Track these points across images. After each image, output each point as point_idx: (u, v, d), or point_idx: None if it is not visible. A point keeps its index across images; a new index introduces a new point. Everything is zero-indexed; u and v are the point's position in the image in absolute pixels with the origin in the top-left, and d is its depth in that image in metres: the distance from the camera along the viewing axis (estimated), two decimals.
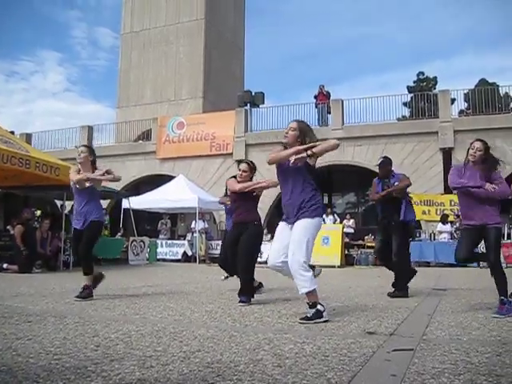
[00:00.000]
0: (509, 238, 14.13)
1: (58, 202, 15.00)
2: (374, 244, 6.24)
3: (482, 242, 4.49)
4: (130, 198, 15.90)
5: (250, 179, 5.39)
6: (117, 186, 17.86)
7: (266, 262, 14.37)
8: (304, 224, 3.82)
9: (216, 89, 27.29)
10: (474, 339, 3.10)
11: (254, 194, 5.33)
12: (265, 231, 12.52)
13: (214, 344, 2.87)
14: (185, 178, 17.91)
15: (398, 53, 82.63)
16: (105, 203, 18.49)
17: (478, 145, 4.46)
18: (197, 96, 26.94)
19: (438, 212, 15.69)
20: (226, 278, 7.19)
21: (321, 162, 17.88)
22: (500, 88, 19.09)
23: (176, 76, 27.53)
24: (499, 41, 75.51)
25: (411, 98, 23.59)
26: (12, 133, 13.66)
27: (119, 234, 16.46)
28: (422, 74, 35.95)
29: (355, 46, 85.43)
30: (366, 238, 16.04)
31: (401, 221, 5.94)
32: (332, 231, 14.74)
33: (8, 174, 10.18)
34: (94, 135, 22.60)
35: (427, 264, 13.98)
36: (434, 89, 31.30)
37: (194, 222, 17.03)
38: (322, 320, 3.68)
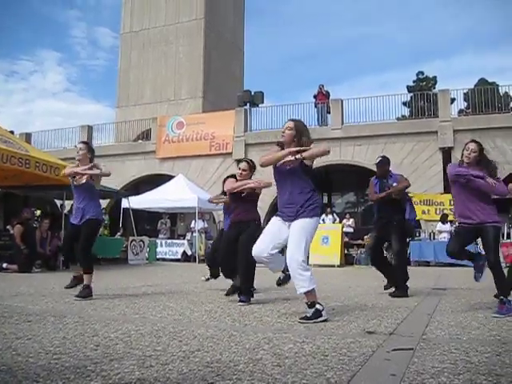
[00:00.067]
0: (508, 237, 14.14)
1: (58, 202, 15.01)
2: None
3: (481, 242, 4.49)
4: (130, 198, 15.91)
5: (250, 178, 5.38)
6: (116, 186, 17.92)
7: None
8: (302, 224, 3.83)
9: (215, 89, 27.30)
10: (473, 339, 3.10)
11: (243, 194, 5.25)
12: None
13: (214, 343, 2.87)
14: (184, 178, 17.92)
15: (398, 53, 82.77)
16: (104, 203, 18.50)
17: (472, 146, 4.45)
18: (196, 96, 26.95)
19: (438, 211, 15.70)
20: (208, 279, 6.69)
21: (320, 162, 17.99)
22: (500, 87, 19.12)
23: (175, 76, 27.54)
24: (499, 41, 75.62)
25: (411, 97, 23.63)
26: (12, 132, 13.66)
27: (119, 233, 16.47)
28: (422, 73, 35.99)
29: (355, 46, 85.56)
30: (366, 237, 16.03)
31: (402, 220, 5.94)
32: (331, 231, 14.75)
33: (8, 173, 10.18)
34: (93, 135, 22.59)
35: (427, 264, 14.00)
36: (434, 88, 31.33)
37: (193, 221, 17.05)
38: (321, 319, 3.68)
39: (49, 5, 79.81)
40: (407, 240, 14.49)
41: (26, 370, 2.25)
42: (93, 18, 71.51)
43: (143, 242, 14.88)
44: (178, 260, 16.49)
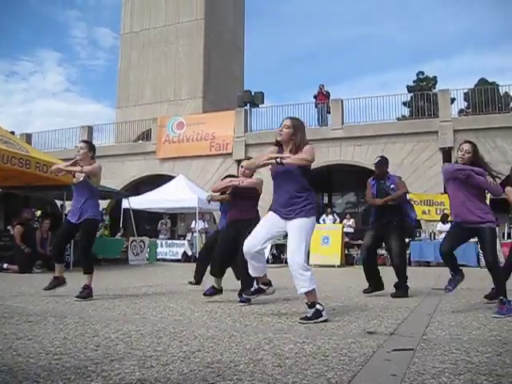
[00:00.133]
0: (509, 237, 14.13)
1: (58, 202, 15.02)
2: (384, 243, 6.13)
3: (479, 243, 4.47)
4: (130, 198, 15.91)
5: (251, 176, 5.36)
6: (117, 186, 17.94)
7: (266, 262, 14.30)
8: (301, 224, 3.84)
9: (216, 89, 27.31)
10: (474, 339, 3.10)
11: (228, 192, 5.32)
12: None
13: (214, 344, 2.87)
14: (185, 178, 17.92)
15: (398, 53, 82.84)
16: (105, 203, 18.52)
17: (466, 147, 4.44)
18: (196, 96, 26.96)
19: (438, 211, 15.69)
20: (191, 283, 6.26)
21: (321, 162, 18.01)
22: (500, 87, 19.11)
23: (176, 76, 27.55)
24: (499, 41, 75.66)
25: (411, 97, 23.64)
26: (12, 133, 13.69)
27: (119, 234, 16.47)
28: (422, 73, 36.00)
29: (355, 46, 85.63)
30: None
31: (401, 221, 5.94)
32: (332, 231, 14.75)
33: (8, 174, 10.18)
34: (93, 135, 22.59)
35: (427, 264, 13.99)
36: (434, 88, 31.32)
37: (193, 221, 17.05)
38: (321, 319, 3.69)
39: (49, 5, 79.95)
40: (408, 240, 14.58)
41: (26, 370, 2.25)
42: (93, 18, 71.65)
43: (143, 243, 14.88)
44: (178, 260, 16.49)
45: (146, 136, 22.28)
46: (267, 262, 14.66)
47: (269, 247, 15.00)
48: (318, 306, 3.75)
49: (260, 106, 20.99)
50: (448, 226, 14.72)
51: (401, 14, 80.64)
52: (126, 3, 29.67)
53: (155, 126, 21.25)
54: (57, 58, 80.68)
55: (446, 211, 15.31)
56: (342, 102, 18.59)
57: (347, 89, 79.53)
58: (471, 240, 4.50)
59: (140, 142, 22.41)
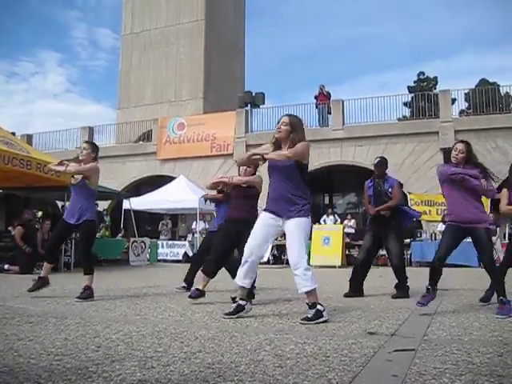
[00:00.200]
0: (510, 237, 14.11)
1: (59, 203, 15.02)
2: (383, 243, 6.11)
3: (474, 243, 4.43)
4: (131, 199, 15.93)
5: (253, 175, 5.32)
6: (117, 187, 17.95)
7: (267, 262, 14.22)
8: (300, 224, 3.86)
9: (216, 89, 27.32)
10: (475, 339, 3.10)
11: (225, 190, 5.36)
12: None
13: (215, 345, 2.87)
14: (185, 179, 17.92)
15: (398, 53, 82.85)
16: (105, 204, 18.54)
17: (460, 146, 4.44)
18: (197, 97, 26.97)
19: (439, 212, 15.67)
20: (184, 288, 6.07)
21: (322, 163, 18.00)
22: (501, 88, 19.10)
23: (176, 77, 27.56)
24: (499, 41, 75.64)
25: (412, 97, 23.61)
26: (13, 134, 13.68)
27: (120, 234, 16.49)
28: (423, 73, 36.00)
29: (355, 46, 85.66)
30: None
31: (399, 221, 5.95)
32: (333, 231, 14.75)
33: (9, 175, 10.18)
34: (94, 136, 22.59)
35: (428, 264, 13.95)
36: (435, 89, 31.34)
37: (194, 222, 17.06)
38: (322, 320, 3.69)
39: (49, 5, 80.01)
40: (409, 241, 14.58)
41: (27, 371, 2.25)
42: (93, 18, 71.72)
43: (144, 243, 14.89)
44: (179, 261, 16.49)
45: (146, 137, 22.29)
46: (268, 262, 14.76)
47: (269, 248, 15.01)
48: (318, 307, 3.75)
49: (261, 106, 21.01)
50: None
51: (401, 13, 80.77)
52: (126, 4, 29.69)
53: (156, 126, 21.26)
54: (57, 58, 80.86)
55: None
56: (342, 102, 18.58)
57: (348, 89, 79.60)
58: (471, 240, 4.47)
59: (141, 142, 22.42)
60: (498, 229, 13.07)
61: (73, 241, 10.54)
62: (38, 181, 10.28)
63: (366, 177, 6.29)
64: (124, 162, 21.23)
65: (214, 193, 6.21)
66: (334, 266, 13.13)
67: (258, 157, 3.92)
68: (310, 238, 14.18)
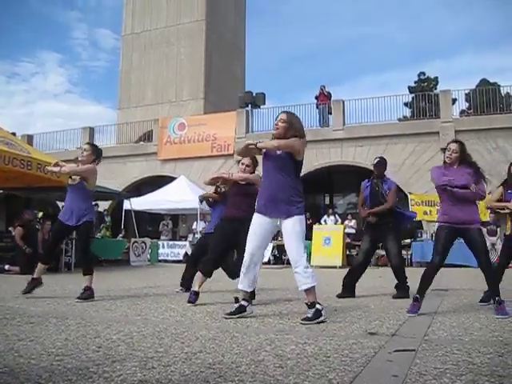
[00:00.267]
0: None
1: (60, 204, 15.03)
2: (382, 245, 6.11)
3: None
4: (132, 199, 15.94)
5: (251, 174, 5.29)
6: (118, 187, 17.96)
7: (268, 263, 14.19)
8: (298, 222, 3.88)
9: (217, 90, 27.32)
10: (475, 340, 3.09)
11: (221, 189, 5.36)
12: None
13: (216, 345, 2.87)
14: (186, 179, 17.93)
15: (398, 53, 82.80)
16: (106, 204, 18.54)
17: (453, 146, 4.44)
18: (198, 97, 26.96)
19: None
20: (183, 290, 6.08)
21: (322, 163, 18.00)
22: (501, 88, 19.09)
23: (177, 77, 27.55)
24: (499, 41, 75.58)
25: (412, 98, 23.59)
26: (13, 134, 13.69)
27: (121, 235, 16.50)
28: (423, 74, 35.98)
29: (355, 46, 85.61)
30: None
31: (397, 222, 5.96)
32: (333, 232, 14.75)
33: (10, 175, 10.19)
34: (95, 136, 22.62)
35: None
36: (435, 89, 31.32)
37: (195, 222, 17.06)
38: (321, 319, 3.72)
39: (49, 5, 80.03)
40: (410, 241, 14.58)
41: (28, 371, 2.25)
42: (93, 19, 71.71)
43: (145, 244, 14.89)
44: (179, 261, 16.48)
45: (147, 137, 22.30)
46: (268, 262, 14.77)
47: (270, 248, 15.01)
48: (317, 306, 3.78)
49: (261, 106, 21.01)
50: None
51: (401, 13, 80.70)
52: (127, 4, 29.69)
53: (156, 127, 21.27)
54: (58, 59, 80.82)
55: None
56: (343, 102, 18.58)
57: (348, 89, 79.58)
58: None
59: (141, 143, 22.43)
60: (498, 229, 13.06)
61: (73, 241, 10.54)
62: (38, 181, 10.29)
63: (367, 177, 6.29)
64: (125, 162, 21.24)
65: (211, 191, 6.20)
66: (335, 267, 13.13)
67: (253, 146, 3.93)
68: (310, 238, 14.21)
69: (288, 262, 3.89)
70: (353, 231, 16.50)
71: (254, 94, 21.03)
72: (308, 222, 16.45)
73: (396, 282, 5.94)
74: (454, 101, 18.28)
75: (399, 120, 20.00)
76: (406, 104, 21.72)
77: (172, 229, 19.16)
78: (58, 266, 10.60)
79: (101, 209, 17.51)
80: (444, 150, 4.54)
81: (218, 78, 27.77)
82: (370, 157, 16.86)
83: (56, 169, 5.53)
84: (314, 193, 20.27)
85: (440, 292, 6.34)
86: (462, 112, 20.03)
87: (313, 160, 17.72)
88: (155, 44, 28.32)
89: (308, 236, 13.98)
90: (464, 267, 11.28)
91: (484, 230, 13.38)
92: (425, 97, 21.22)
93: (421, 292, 4.34)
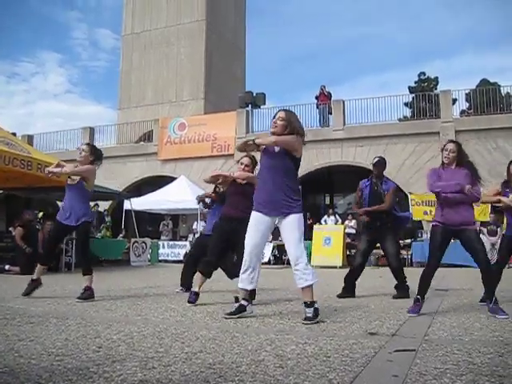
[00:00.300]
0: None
1: (60, 204, 15.02)
2: (379, 245, 6.11)
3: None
4: (132, 200, 15.93)
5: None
6: (118, 187, 17.95)
7: (268, 263, 14.17)
8: (297, 220, 3.90)
9: (217, 90, 27.31)
10: (476, 340, 3.09)
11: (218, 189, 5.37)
12: None
13: (216, 345, 2.87)
14: (186, 179, 17.93)
15: (398, 53, 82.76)
16: (106, 204, 18.55)
17: (450, 146, 4.46)
18: (198, 97, 26.96)
19: None
20: (183, 290, 6.08)
21: (322, 163, 17.98)
22: (501, 88, 19.09)
23: (177, 77, 27.55)
24: (499, 41, 75.55)
25: (412, 98, 23.58)
26: (14, 134, 13.69)
27: (121, 235, 16.50)
28: (423, 74, 35.96)
29: (355, 46, 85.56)
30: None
31: (396, 223, 5.96)
32: (334, 232, 14.75)
33: (10, 175, 10.19)
34: (95, 136, 22.63)
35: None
36: (436, 89, 31.30)
37: (195, 222, 17.05)
38: (319, 317, 3.76)
39: (49, 5, 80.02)
40: (410, 241, 14.57)
41: (28, 371, 2.25)
42: (93, 19, 71.70)
43: (145, 244, 14.89)
44: (180, 261, 16.47)
45: (147, 137, 22.30)
46: (269, 263, 14.76)
47: (270, 248, 15.02)
48: (315, 305, 3.81)
49: (262, 106, 21.00)
50: None
51: (401, 13, 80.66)
52: (127, 4, 29.68)
53: (157, 127, 21.28)
54: (58, 59, 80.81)
55: None
56: (343, 102, 18.58)
57: (348, 89, 79.53)
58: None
59: (142, 143, 22.43)
60: (498, 229, 13.05)
61: (74, 241, 10.54)
62: (38, 181, 10.29)
63: (367, 177, 6.28)
64: (125, 162, 21.24)
65: (210, 192, 6.18)
66: (335, 267, 13.12)
67: (251, 142, 3.94)
68: (311, 238, 14.21)
69: (288, 262, 3.90)
70: (353, 231, 16.47)
71: (254, 94, 21.03)
72: (308, 222, 16.51)
73: (395, 282, 5.94)
74: (455, 101, 18.28)
75: (399, 120, 20.00)
76: (406, 104, 21.72)
77: (172, 229, 19.16)
78: (58, 265, 10.61)
79: (101, 209, 17.51)
80: (442, 150, 4.54)
81: (218, 78, 27.77)
82: (370, 157, 16.84)
83: (57, 169, 5.52)
84: (315, 193, 20.28)
85: (440, 292, 6.33)
86: (463, 112, 20.03)
87: (313, 160, 17.73)
88: (155, 44, 28.32)
89: (308, 236, 14.00)
90: (464, 267, 11.27)
91: (484, 229, 13.39)
92: (425, 97, 21.22)
93: (421, 293, 4.35)
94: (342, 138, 17.99)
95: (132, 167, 21.19)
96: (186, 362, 2.45)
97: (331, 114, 18.72)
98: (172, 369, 2.31)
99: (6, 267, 9.58)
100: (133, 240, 14.48)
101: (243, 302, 4.02)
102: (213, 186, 6.05)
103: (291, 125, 3.94)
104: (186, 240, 17.69)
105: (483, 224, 13.63)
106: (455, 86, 46.80)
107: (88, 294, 5.13)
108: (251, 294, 4.33)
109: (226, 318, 3.91)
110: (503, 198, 4.95)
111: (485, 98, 17.72)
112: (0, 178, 10.38)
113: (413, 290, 5.74)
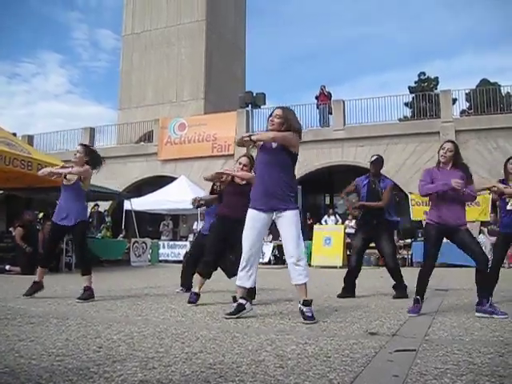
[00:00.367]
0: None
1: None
2: (374, 244, 6.10)
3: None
4: (132, 200, 15.93)
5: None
6: (118, 188, 17.95)
7: (268, 263, 14.19)
8: (295, 217, 3.92)
9: (217, 90, 27.31)
10: (476, 340, 3.09)
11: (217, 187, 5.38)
12: None
13: (216, 345, 2.87)
14: (186, 179, 17.93)
15: (398, 53, 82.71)
16: (107, 205, 18.55)
17: (448, 145, 4.47)
18: (198, 97, 26.96)
19: None
20: (183, 290, 6.10)
21: (322, 163, 17.97)
22: (502, 88, 19.09)
23: (177, 77, 27.55)
24: (499, 41, 75.49)
25: (413, 98, 23.57)
26: (14, 135, 13.69)
27: (121, 235, 16.50)
28: (424, 74, 35.96)
29: (355, 46, 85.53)
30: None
31: (395, 222, 5.97)
32: (334, 232, 14.75)
33: (10, 175, 10.19)
34: (95, 137, 22.63)
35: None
36: (436, 89, 31.30)
37: (195, 223, 17.05)
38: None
39: (49, 5, 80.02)
40: (410, 241, 14.56)
41: (28, 372, 2.25)
42: (94, 19, 71.72)
43: (145, 244, 14.89)
44: (180, 261, 16.46)
45: (147, 137, 22.30)
46: (269, 263, 14.76)
47: (270, 248, 15.02)
48: (312, 303, 3.85)
49: (262, 106, 20.99)
50: None
51: (401, 13, 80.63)
52: (127, 5, 29.69)
53: (157, 127, 21.27)
54: (58, 59, 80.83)
55: None
56: (343, 102, 18.57)
57: (348, 89, 79.52)
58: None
59: (142, 143, 22.43)
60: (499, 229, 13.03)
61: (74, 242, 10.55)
62: (38, 182, 10.26)
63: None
64: (125, 162, 21.24)
65: (209, 194, 6.18)
66: (335, 267, 13.13)
67: (247, 139, 3.94)
68: (311, 238, 14.21)
69: None
70: (353, 231, 16.45)
71: (255, 94, 21.01)
72: (308, 222, 16.52)
73: (393, 282, 5.93)
74: (455, 101, 18.27)
75: (400, 120, 20.00)
76: (406, 104, 21.71)
77: (172, 229, 19.16)
78: (58, 266, 10.61)
79: (101, 209, 17.52)
80: (439, 149, 4.55)
81: (219, 78, 27.78)
82: (370, 157, 16.88)
83: (62, 170, 5.50)
84: (315, 193, 20.28)
85: (440, 292, 6.34)
86: (463, 112, 20.04)
87: (313, 160, 17.73)
88: (155, 44, 28.32)
89: (308, 236, 14.00)
90: (464, 267, 11.27)
91: (485, 229, 13.39)
92: (425, 97, 21.22)
93: (420, 293, 4.36)
94: (343, 138, 17.98)
95: (132, 167, 21.19)
96: (187, 362, 2.45)
97: (331, 113, 18.71)
98: (172, 369, 2.31)
99: (7, 267, 9.59)
100: (133, 240, 14.48)
101: (241, 301, 4.02)
102: (210, 184, 5.99)
103: (288, 122, 3.94)
104: (186, 240, 17.69)
105: (483, 224, 13.63)
106: (455, 85, 46.82)
107: (88, 294, 5.13)
108: (250, 293, 4.33)
109: (226, 319, 3.91)
110: (498, 184, 5.00)
111: (485, 97, 17.72)
112: (0, 179, 10.38)
113: (412, 289, 5.75)
